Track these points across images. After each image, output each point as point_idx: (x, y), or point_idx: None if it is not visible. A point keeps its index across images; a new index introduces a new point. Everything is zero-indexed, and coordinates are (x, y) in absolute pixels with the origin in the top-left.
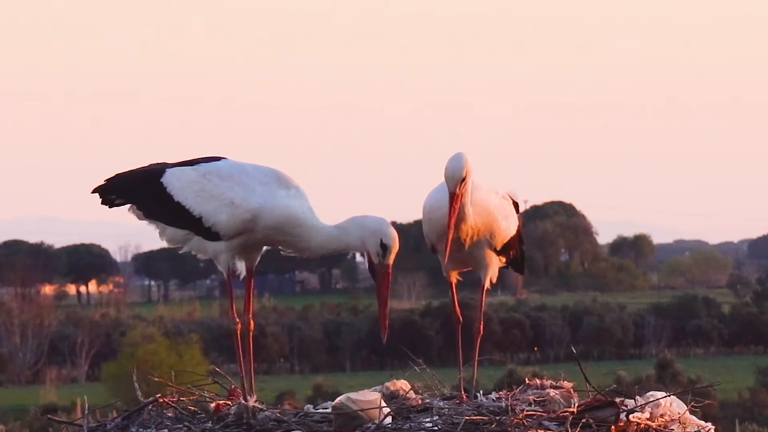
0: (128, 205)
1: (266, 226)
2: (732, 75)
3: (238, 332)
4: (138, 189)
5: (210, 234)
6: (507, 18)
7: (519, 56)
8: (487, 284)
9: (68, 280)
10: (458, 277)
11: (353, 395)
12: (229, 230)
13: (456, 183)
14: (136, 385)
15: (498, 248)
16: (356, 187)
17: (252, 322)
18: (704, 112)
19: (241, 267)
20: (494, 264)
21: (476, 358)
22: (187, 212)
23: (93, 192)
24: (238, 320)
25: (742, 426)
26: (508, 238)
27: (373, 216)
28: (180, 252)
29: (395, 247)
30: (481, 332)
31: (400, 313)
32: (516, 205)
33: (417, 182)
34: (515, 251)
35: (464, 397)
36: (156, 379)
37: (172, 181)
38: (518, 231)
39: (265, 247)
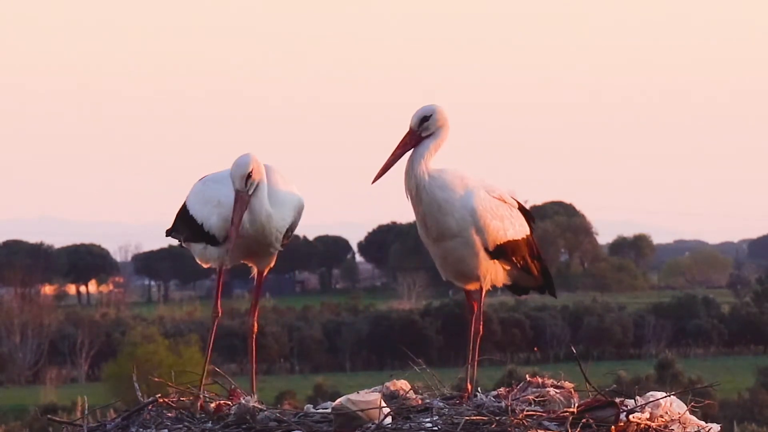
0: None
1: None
2: (733, 75)
3: (215, 323)
4: (176, 215)
5: (209, 238)
6: (507, 17)
7: (519, 55)
8: (484, 285)
9: (68, 280)
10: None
11: (353, 396)
12: (220, 230)
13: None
14: (137, 385)
15: (490, 249)
16: (355, 186)
17: (255, 324)
18: (704, 111)
19: (252, 271)
20: (485, 264)
21: (476, 358)
22: (194, 221)
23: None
24: (219, 311)
25: (742, 426)
26: (503, 241)
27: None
28: (206, 267)
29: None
30: (481, 332)
31: (401, 313)
32: (527, 214)
33: None
34: (521, 260)
35: (469, 388)
36: (156, 379)
37: (189, 196)
38: (527, 241)
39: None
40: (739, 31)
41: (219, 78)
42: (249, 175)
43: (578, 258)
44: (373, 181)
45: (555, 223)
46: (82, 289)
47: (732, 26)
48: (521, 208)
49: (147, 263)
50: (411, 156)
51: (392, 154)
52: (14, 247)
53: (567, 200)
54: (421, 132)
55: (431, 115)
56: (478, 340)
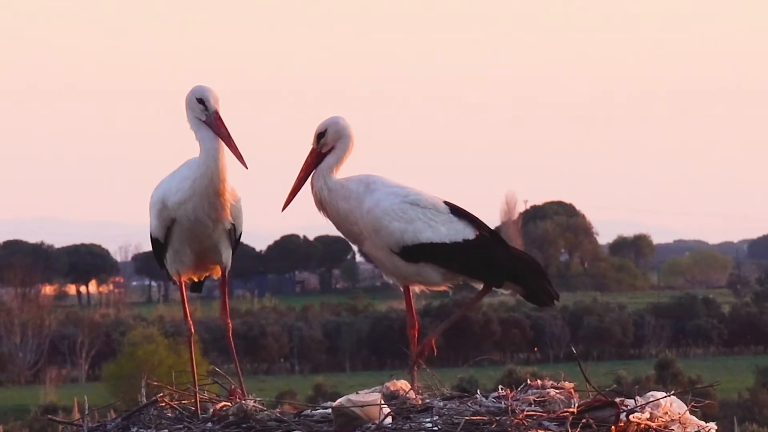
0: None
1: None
2: (733, 74)
3: (191, 339)
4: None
5: (159, 245)
6: (507, 17)
7: (520, 55)
8: (410, 288)
9: (68, 280)
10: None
11: (353, 396)
12: (157, 229)
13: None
14: (143, 390)
15: (396, 251)
16: None
17: (230, 323)
18: (705, 111)
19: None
20: (402, 266)
21: (414, 359)
22: (152, 238)
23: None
24: (191, 328)
25: (742, 426)
26: (413, 243)
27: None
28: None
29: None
30: (416, 335)
31: (400, 313)
32: (475, 222)
33: (417, 181)
34: (455, 265)
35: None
36: (155, 383)
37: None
38: (463, 246)
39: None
40: (738, 32)
41: (219, 77)
42: (203, 100)
43: (578, 258)
44: (283, 209)
45: (555, 223)
46: (82, 289)
47: (732, 27)
48: (462, 214)
49: (147, 263)
50: (314, 172)
51: (297, 178)
52: (14, 247)
53: (567, 200)
54: (321, 148)
55: (325, 130)
56: (413, 343)
